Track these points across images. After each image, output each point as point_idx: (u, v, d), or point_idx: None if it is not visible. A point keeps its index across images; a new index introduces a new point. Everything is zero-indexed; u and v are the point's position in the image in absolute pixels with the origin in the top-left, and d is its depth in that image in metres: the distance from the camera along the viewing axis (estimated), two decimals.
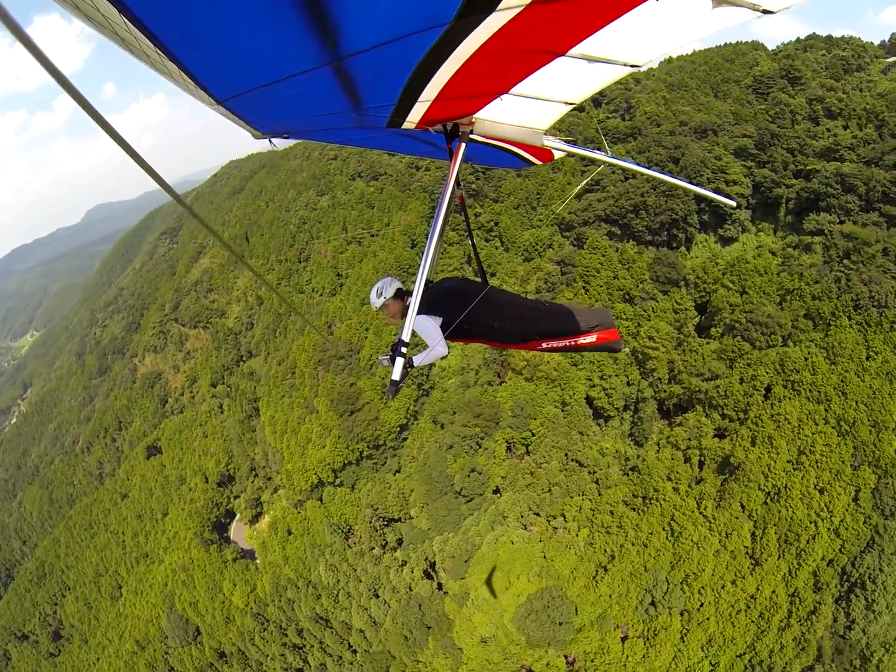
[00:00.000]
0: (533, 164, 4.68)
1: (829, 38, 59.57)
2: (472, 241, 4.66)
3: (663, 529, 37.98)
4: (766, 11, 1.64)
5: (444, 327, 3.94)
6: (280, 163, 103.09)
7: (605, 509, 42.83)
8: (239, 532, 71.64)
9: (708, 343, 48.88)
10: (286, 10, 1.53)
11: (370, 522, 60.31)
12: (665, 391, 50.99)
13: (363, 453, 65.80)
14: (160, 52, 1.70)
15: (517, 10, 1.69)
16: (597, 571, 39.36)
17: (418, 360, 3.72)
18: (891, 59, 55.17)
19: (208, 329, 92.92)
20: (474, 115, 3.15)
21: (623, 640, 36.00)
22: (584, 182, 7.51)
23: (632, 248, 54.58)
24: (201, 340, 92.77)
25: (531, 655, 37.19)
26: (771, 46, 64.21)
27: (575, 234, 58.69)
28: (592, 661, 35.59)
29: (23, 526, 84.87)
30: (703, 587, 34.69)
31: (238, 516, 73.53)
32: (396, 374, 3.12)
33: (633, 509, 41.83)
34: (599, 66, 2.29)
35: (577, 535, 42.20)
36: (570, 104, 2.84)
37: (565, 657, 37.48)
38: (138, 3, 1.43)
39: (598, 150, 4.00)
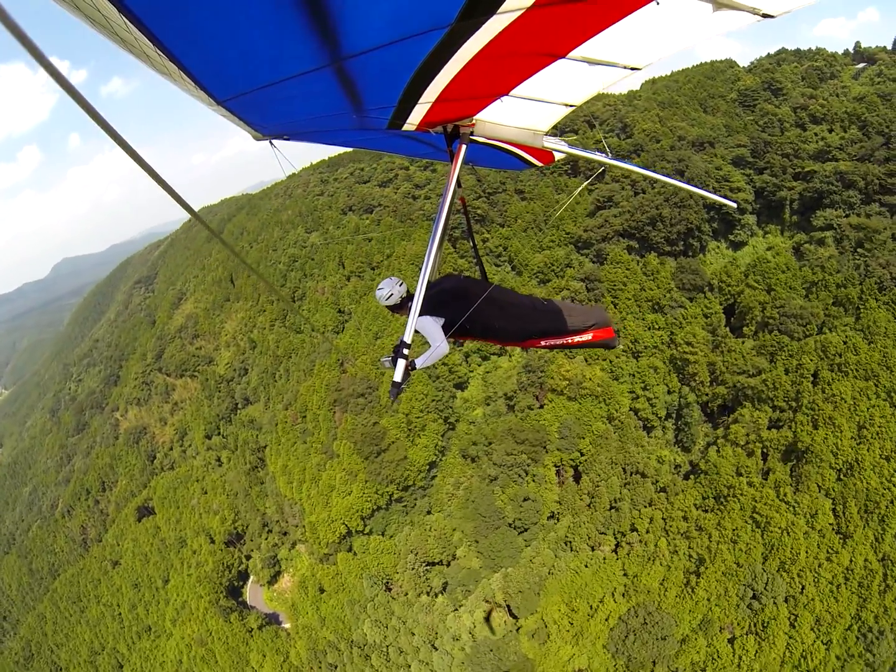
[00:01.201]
0: (534, 165, 5.01)
1: (798, 50, 69.62)
2: (473, 241, 5.08)
3: (747, 522, 40.20)
4: (766, 15, 1.78)
5: (447, 326, 4.17)
6: (260, 203, 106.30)
7: (678, 515, 44.74)
8: (255, 595, 69.09)
9: (743, 342, 53.14)
10: (287, 10, 1.63)
11: (413, 569, 59.54)
12: (708, 394, 54.49)
13: (393, 496, 65.31)
14: (160, 53, 1.81)
15: (518, 13, 1.81)
16: (688, 578, 40.70)
17: (420, 361, 3.96)
18: (860, 66, 64.73)
19: (196, 378, 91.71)
20: (475, 117, 3.32)
21: (731, 640, 37.07)
22: (585, 184, 7.92)
23: (654, 259, 59.30)
24: (189, 390, 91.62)
25: None
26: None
27: (594, 250, 63.37)
28: (703, 669, 36.36)
29: (1, 600, 78.20)
30: (800, 570, 36.76)
31: (252, 578, 70.87)
32: (398, 376, 3.34)
33: (707, 510, 43.92)
34: (600, 68, 2.43)
35: (655, 545, 43.58)
36: (571, 106, 3.01)
37: None
38: (138, 2, 1.51)
39: (599, 151, 4.24)
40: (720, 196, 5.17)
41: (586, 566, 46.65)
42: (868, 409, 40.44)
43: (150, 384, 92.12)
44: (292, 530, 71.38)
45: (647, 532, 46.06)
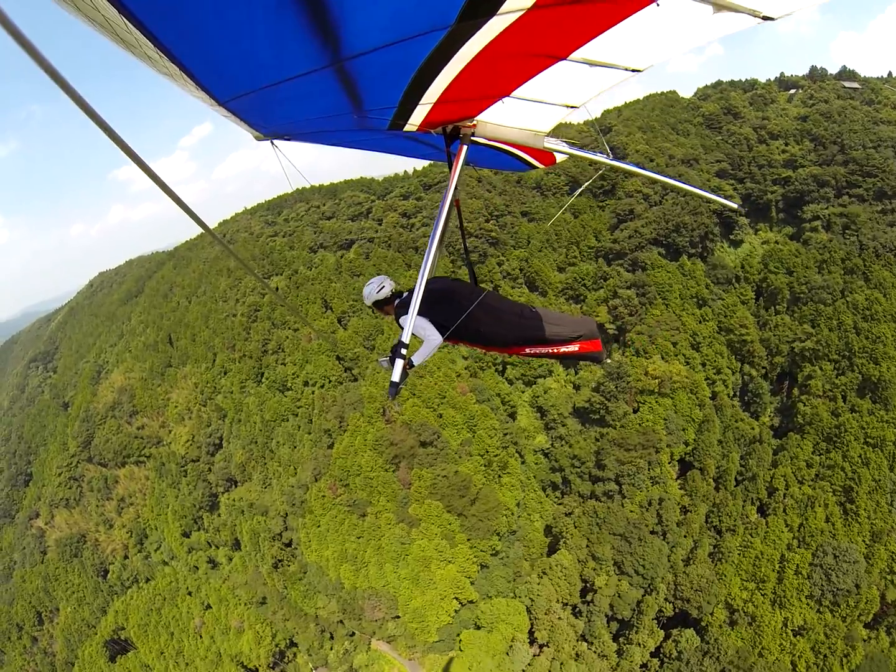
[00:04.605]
0: (534, 166, 5.95)
1: (732, 81, 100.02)
2: (465, 244, 5.93)
3: (865, 446, 58.80)
4: (766, 18, 2.10)
5: (436, 327, 4.97)
6: (189, 254, 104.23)
7: (802, 465, 60.90)
8: None
9: (782, 318, 73.89)
10: (287, 11, 1.93)
11: (560, 618, 63.80)
12: (766, 366, 73.38)
13: (496, 549, 69.01)
14: (161, 54, 2.16)
15: (518, 15, 2.14)
16: (844, 507, 56.41)
17: (417, 359, 4.74)
18: (792, 91, 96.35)
19: (144, 464, 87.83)
20: (476, 118, 3.88)
21: None
22: (586, 185, 8.97)
23: (686, 260, 78.41)
24: (138, 480, 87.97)
25: None
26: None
27: (628, 260, 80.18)
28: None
29: None
30: None
31: None
32: (396, 376, 3.92)
33: (824, 452, 61.12)
34: (601, 69, 2.84)
35: (802, 494, 58.64)
36: (572, 107, 3.53)
37: None
38: (138, 3, 1.77)
39: (599, 152, 5.04)
40: (722, 197, 6.42)
41: (752, 536, 58.82)
42: None
43: (79, 479, 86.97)
44: (369, 626, 68.57)
45: (787, 487, 60.69)
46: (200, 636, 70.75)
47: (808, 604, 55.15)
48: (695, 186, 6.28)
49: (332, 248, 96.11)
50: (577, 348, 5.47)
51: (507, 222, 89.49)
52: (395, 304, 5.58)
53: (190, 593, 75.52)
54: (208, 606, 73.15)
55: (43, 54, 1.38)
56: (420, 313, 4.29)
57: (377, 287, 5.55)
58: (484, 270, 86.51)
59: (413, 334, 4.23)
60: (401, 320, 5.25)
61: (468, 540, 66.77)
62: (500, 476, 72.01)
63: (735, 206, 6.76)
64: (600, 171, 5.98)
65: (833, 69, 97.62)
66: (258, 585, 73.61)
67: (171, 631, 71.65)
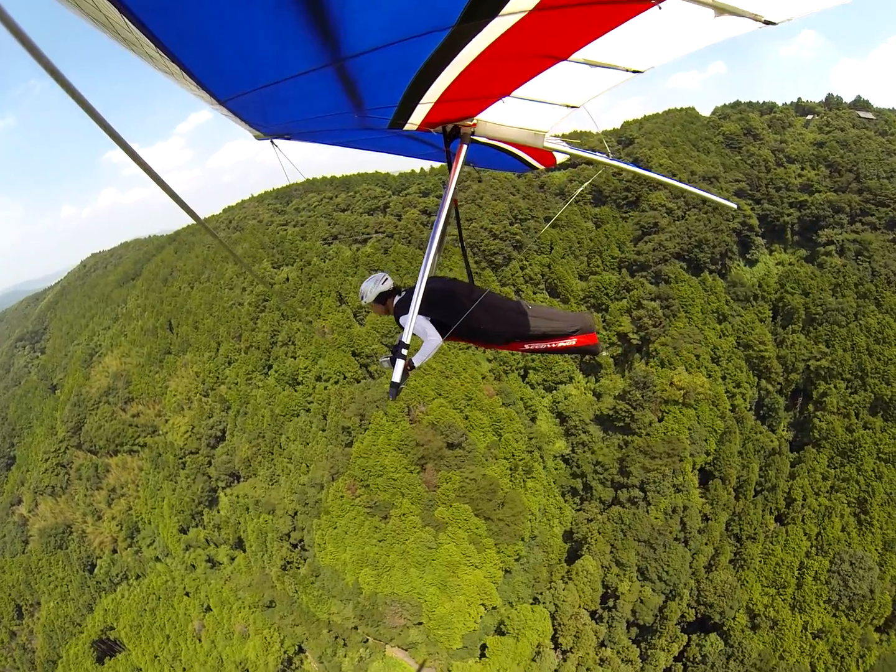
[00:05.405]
0: (534, 167, 6.28)
1: (750, 102, 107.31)
2: (462, 245, 6.24)
3: (878, 461, 65.52)
4: (767, 22, 2.22)
5: (435, 325, 5.25)
6: (191, 239, 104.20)
7: (818, 477, 67.45)
8: None
9: (798, 336, 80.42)
10: (288, 10, 2.03)
11: (585, 624, 67.47)
12: (781, 382, 79.71)
13: (520, 555, 72.05)
14: (161, 53, 2.29)
15: (520, 16, 2.26)
16: (858, 518, 62.71)
17: (418, 359, 4.96)
18: (809, 117, 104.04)
19: (137, 453, 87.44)
20: (476, 117, 4.14)
21: None
22: (583, 186, 10.01)
23: (708, 276, 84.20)
24: (131, 471, 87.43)
25: None
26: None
27: (651, 272, 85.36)
28: None
29: None
30: None
31: None
32: (397, 376, 4.17)
33: (838, 466, 67.60)
34: (602, 70, 3.03)
35: (819, 504, 64.84)
36: (572, 107, 3.77)
37: None
38: (138, 3, 1.87)
39: (599, 152, 5.28)
40: (720, 198, 6.69)
41: (772, 544, 64.51)
42: None
43: (66, 466, 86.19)
44: (387, 633, 67.00)
45: (805, 498, 66.75)
46: (200, 640, 70.14)
47: (825, 608, 61.12)
48: (693, 186, 6.58)
49: (347, 240, 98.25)
50: (574, 342, 5.84)
51: (530, 227, 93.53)
52: (394, 302, 5.86)
53: (188, 594, 75.00)
54: (208, 608, 72.77)
55: (28, 35, 1.41)
56: (420, 313, 4.64)
57: (381, 279, 5.85)
58: (507, 274, 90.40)
59: (414, 334, 4.59)
60: (401, 320, 5.48)
61: (495, 545, 69.43)
62: (525, 480, 75.56)
63: (733, 205, 7.09)
64: (598, 172, 6.84)
65: (827, 93, 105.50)
66: (265, 588, 73.57)
67: (166, 633, 71.12)
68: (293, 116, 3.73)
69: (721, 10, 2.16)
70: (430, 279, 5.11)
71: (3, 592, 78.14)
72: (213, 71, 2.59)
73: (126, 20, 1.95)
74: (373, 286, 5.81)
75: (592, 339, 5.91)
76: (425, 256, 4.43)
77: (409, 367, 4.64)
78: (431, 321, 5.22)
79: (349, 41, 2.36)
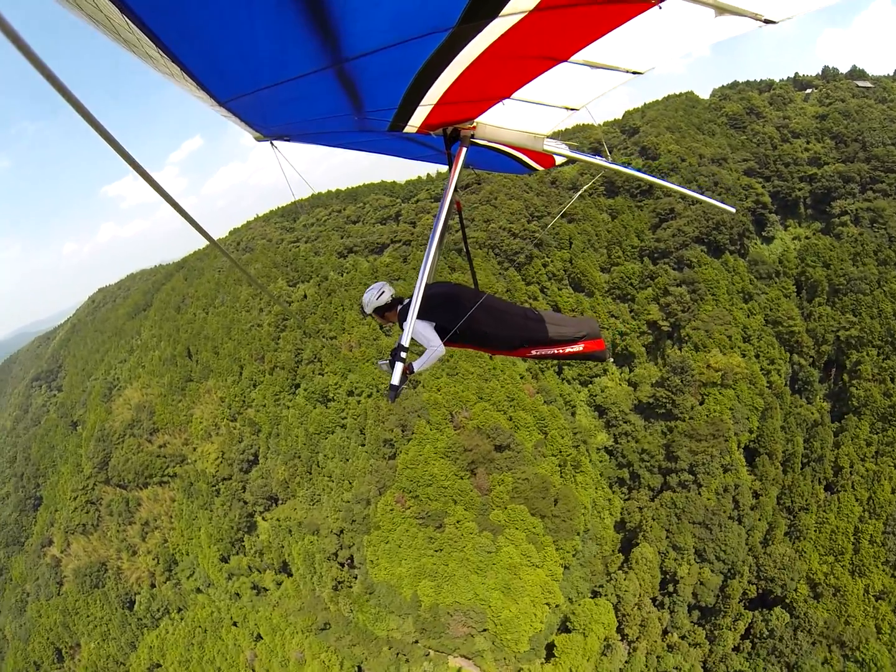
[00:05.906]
0: (535, 169, 6.39)
1: (749, 82, 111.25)
2: (467, 248, 6.31)
3: None
4: (768, 21, 2.26)
5: (438, 331, 5.34)
6: (199, 265, 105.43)
7: (862, 443, 71.00)
8: None
9: (824, 309, 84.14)
10: (288, 11, 2.08)
11: (648, 612, 70.30)
12: (813, 355, 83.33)
13: (577, 549, 74.60)
14: (162, 54, 2.35)
15: (520, 17, 2.31)
16: None
17: (418, 365, 5.09)
18: (808, 91, 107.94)
19: (168, 484, 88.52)
20: (476, 120, 4.20)
21: None
22: (586, 186, 9.61)
23: (730, 257, 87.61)
24: (163, 502, 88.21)
25: None
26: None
27: (673, 258, 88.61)
28: None
29: None
30: None
31: None
32: (395, 379, 4.24)
33: (880, 431, 71.23)
34: (602, 72, 3.07)
35: (866, 470, 68.48)
36: (572, 110, 3.82)
37: None
38: (139, 2, 1.91)
39: (599, 155, 5.46)
40: (720, 202, 6.87)
41: (825, 512, 68.10)
42: None
43: (96, 503, 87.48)
44: (450, 643, 67.35)
45: (852, 465, 70.42)
46: (253, 670, 71.07)
47: (884, 570, 64.62)
48: (693, 191, 6.87)
49: (362, 251, 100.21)
50: (581, 348, 5.92)
51: (547, 223, 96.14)
52: (397, 311, 5.90)
53: (235, 623, 75.70)
54: (259, 637, 73.50)
55: (45, 62, 1.47)
56: (423, 317, 4.72)
57: (377, 293, 5.88)
58: (531, 272, 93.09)
59: (417, 341, 4.67)
60: (403, 325, 5.43)
61: (553, 542, 71.42)
62: (574, 475, 78.29)
63: (732, 209, 7.11)
64: (598, 174, 6.75)
65: (819, 66, 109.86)
66: (318, 610, 74.12)
67: (217, 666, 72.41)
68: (293, 118, 3.88)
69: (721, 10, 2.25)
70: (433, 284, 5.57)
71: (42, 636, 78.83)
72: (214, 72, 2.70)
73: (127, 20, 2.04)
74: (369, 299, 5.89)
75: (600, 344, 6.04)
76: (424, 259, 4.54)
77: (408, 370, 4.79)
78: (435, 327, 5.36)
79: (350, 42, 2.46)
